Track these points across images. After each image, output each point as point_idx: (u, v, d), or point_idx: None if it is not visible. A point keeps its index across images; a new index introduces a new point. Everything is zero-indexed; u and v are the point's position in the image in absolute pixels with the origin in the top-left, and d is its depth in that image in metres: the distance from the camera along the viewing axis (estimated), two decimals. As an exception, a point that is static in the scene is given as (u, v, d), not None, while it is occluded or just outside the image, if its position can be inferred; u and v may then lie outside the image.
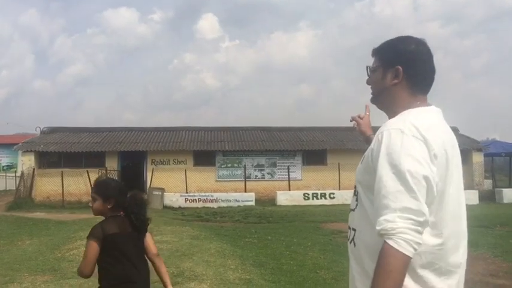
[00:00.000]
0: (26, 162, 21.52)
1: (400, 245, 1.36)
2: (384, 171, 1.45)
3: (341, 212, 16.17)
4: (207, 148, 22.78)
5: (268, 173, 23.21)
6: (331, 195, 19.33)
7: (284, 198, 20.04)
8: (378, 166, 1.47)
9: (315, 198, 19.82)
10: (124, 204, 2.94)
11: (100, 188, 3.02)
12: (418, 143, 1.46)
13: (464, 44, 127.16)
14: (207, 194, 20.25)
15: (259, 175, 23.13)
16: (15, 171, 37.02)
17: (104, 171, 20.33)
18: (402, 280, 1.40)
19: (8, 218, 15.20)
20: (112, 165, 21.89)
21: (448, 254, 1.54)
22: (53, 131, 24.47)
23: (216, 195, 20.04)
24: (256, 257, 8.24)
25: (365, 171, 1.60)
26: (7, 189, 34.61)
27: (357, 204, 1.66)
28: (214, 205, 19.24)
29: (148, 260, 3.03)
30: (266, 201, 20.68)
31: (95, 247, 2.74)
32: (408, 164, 1.42)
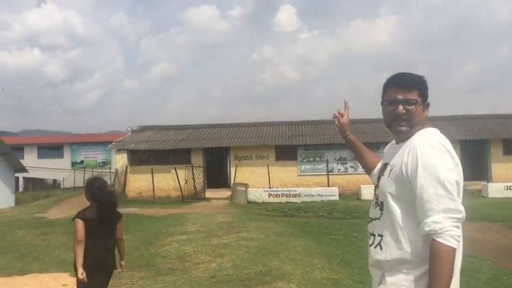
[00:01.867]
0: (119, 160, 22.93)
1: (448, 240, 1.70)
2: (424, 180, 1.76)
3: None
4: (289, 143, 22.81)
5: (351, 167, 22.74)
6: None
7: (369, 192, 19.47)
8: (417, 177, 1.78)
9: (401, 192, 19.05)
10: (99, 200, 4.08)
11: (86, 186, 4.31)
12: (446, 155, 1.81)
13: None
14: (290, 189, 20.31)
15: (342, 169, 22.76)
16: (110, 168, 39.69)
17: (191, 168, 21.10)
18: (453, 268, 1.73)
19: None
20: (197, 161, 22.65)
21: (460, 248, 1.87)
22: (142, 129, 25.82)
23: (299, 190, 20.04)
24: (343, 255, 8.14)
25: (396, 183, 1.89)
26: (103, 184, 37.20)
27: (381, 214, 1.96)
28: (297, 200, 19.26)
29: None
30: (350, 196, 20.33)
31: (80, 223, 3.96)
32: (444, 172, 1.75)
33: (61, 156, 43.44)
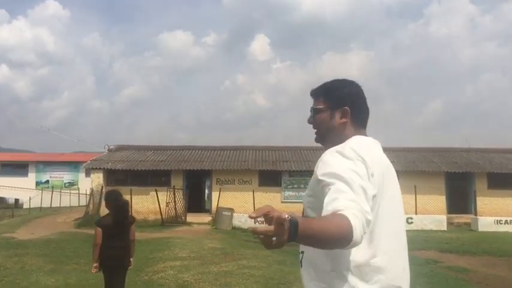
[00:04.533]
0: (95, 179, 21.70)
1: (352, 218, 1.30)
2: (331, 180, 1.47)
3: (426, 239, 14.98)
4: (273, 168, 22.14)
5: (335, 195, 22.21)
6: (409, 220, 18.09)
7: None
8: (322, 179, 1.51)
9: (390, 222, 18.54)
10: (114, 208, 5.01)
11: (105, 196, 5.54)
12: (358, 163, 1.54)
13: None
14: (275, 215, 19.50)
15: (327, 197, 22.17)
16: (78, 189, 37.99)
17: (172, 190, 20.07)
18: (326, 242, 1.30)
19: (80, 235, 15.03)
20: (177, 183, 21.61)
21: (386, 267, 1.57)
22: (119, 148, 24.63)
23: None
24: None
25: (309, 195, 1.68)
26: (71, 205, 35.41)
27: None
28: (283, 227, 18.46)
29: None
30: (336, 225, 19.69)
31: (99, 230, 4.98)
32: (349, 174, 1.46)
33: (25, 175, 41.48)
